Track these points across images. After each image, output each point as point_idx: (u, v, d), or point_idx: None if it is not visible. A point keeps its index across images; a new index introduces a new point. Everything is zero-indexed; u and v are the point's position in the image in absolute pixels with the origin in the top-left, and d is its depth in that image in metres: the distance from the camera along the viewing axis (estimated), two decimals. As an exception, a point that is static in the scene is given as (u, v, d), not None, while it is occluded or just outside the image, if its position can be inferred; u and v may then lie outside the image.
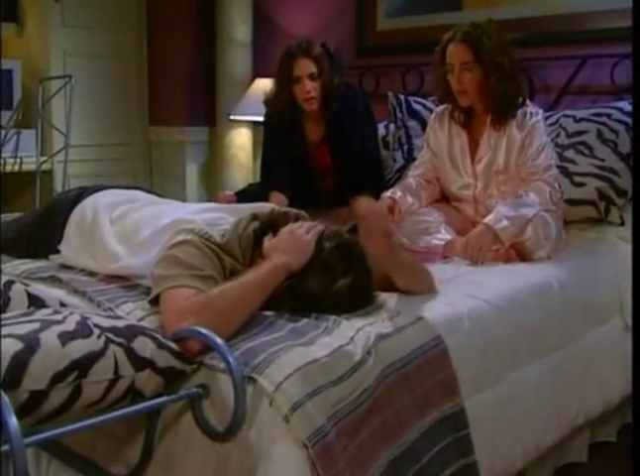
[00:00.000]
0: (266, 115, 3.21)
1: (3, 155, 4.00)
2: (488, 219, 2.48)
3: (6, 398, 1.20)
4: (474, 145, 2.68)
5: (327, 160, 3.10)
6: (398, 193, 2.70)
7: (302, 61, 2.96)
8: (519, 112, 2.60)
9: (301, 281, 1.75)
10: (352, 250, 1.82)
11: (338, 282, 1.75)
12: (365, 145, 3.07)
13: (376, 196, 2.85)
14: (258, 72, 4.26)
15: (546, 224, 2.50)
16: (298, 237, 1.79)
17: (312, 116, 3.06)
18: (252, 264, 1.82)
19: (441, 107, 2.81)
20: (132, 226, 2.10)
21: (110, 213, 2.18)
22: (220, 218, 1.93)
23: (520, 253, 2.48)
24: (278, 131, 3.11)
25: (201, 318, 1.55)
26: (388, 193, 2.72)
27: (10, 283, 1.69)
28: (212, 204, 2.32)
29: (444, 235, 2.60)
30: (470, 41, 2.53)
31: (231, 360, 1.42)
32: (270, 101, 3.10)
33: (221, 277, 1.76)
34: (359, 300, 1.81)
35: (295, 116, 3.05)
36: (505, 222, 2.45)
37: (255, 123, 4.20)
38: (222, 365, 1.47)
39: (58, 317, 1.43)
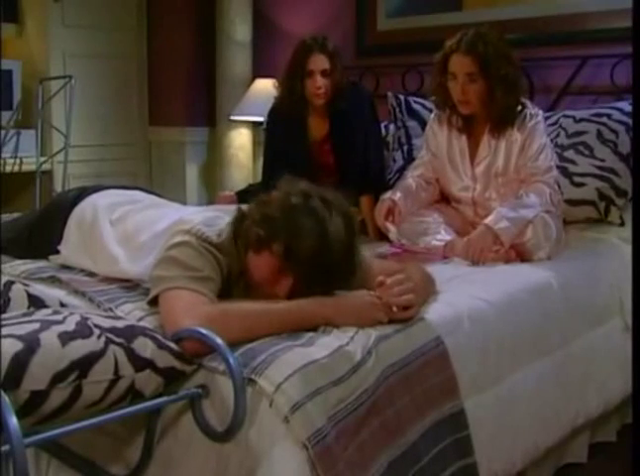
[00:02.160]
0: (270, 113, 3.21)
1: (3, 155, 3.99)
2: (489, 220, 2.48)
3: (6, 398, 1.20)
4: (473, 147, 2.68)
5: (329, 158, 3.10)
6: (398, 195, 2.69)
7: (317, 57, 2.97)
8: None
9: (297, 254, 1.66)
10: (329, 196, 1.74)
11: (329, 229, 1.66)
12: (368, 144, 3.07)
13: (377, 197, 2.85)
14: (258, 73, 4.25)
15: (546, 225, 2.50)
16: (373, 310, 1.72)
17: (317, 112, 3.06)
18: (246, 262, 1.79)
19: (440, 110, 2.81)
20: (132, 229, 2.09)
21: (110, 214, 2.18)
22: (216, 218, 1.92)
23: (520, 254, 2.48)
24: (282, 128, 3.11)
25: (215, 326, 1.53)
26: (388, 195, 2.72)
27: (10, 283, 1.69)
28: (214, 207, 2.31)
29: (444, 236, 2.60)
30: (475, 53, 2.51)
31: (231, 361, 1.42)
32: (280, 91, 3.09)
33: (219, 277, 1.75)
34: (354, 238, 1.73)
35: (302, 110, 3.05)
36: (506, 223, 2.45)
37: (255, 123, 4.20)
38: (222, 366, 1.47)
39: (58, 318, 1.43)
